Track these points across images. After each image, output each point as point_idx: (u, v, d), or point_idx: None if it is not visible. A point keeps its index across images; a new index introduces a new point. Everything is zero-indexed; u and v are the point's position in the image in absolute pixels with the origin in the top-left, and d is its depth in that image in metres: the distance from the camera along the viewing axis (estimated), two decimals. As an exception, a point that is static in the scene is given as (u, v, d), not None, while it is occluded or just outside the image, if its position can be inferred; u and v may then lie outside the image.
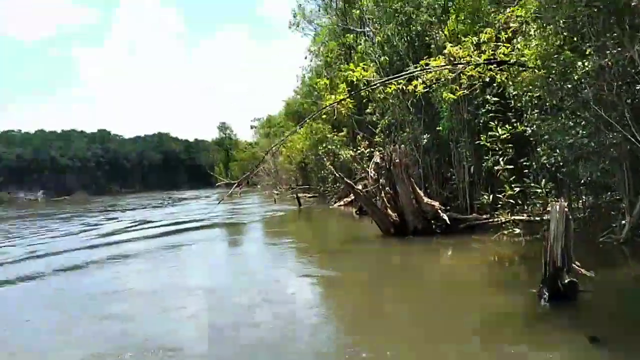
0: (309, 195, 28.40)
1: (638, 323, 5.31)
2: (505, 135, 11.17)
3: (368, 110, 18.43)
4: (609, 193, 10.44)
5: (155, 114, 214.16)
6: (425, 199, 12.62)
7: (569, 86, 9.29)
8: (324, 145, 24.85)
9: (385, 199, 13.04)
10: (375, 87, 14.90)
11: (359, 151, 19.65)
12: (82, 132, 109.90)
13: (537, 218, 10.85)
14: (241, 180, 19.87)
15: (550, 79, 9.51)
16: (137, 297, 7.95)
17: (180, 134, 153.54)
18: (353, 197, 20.27)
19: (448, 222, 11.99)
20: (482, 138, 11.67)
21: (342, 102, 14.18)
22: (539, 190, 10.32)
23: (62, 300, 8.12)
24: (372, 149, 19.13)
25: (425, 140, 15.06)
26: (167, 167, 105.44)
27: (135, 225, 19.95)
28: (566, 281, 6.06)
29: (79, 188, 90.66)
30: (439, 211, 12.31)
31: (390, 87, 13.82)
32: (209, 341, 5.68)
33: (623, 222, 9.36)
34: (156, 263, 11.20)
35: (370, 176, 15.93)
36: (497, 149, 11.29)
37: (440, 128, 13.74)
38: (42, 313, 7.39)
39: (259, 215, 22.29)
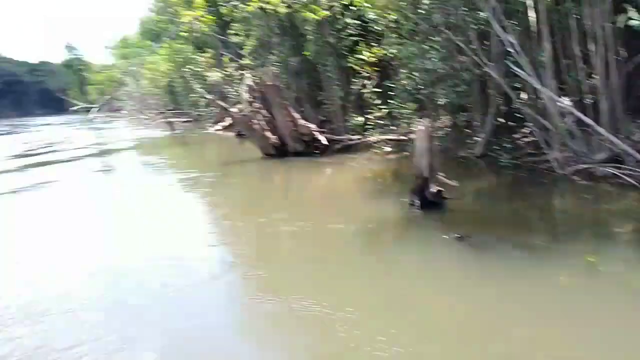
0: (183, 120, 27.13)
1: (492, 220, 6.29)
2: (372, 59, 11.52)
3: (232, 31, 17.62)
4: (465, 113, 11.57)
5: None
6: (302, 122, 12.89)
7: (421, 11, 9.70)
8: (188, 67, 23.53)
9: (263, 123, 13.06)
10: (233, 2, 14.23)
11: (227, 73, 18.97)
12: None
13: (404, 137, 11.81)
14: (101, 106, 18.26)
15: (403, 3, 9.87)
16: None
17: (20, 57, 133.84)
18: (230, 121, 19.88)
19: (326, 142, 12.49)
20: (349, 61, 11.95)
21: (201, 18, 13.48)
22: (404, 111, 11.06)
23: None
24: (242, 72, 18.56)
25: (295, 64, 15.03)
26: (11, 91, 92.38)
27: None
28: (433, 190, 6.84)
29: None
30: (315, 133, 12.74)
31: (250, 5, 13.43)
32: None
33: (477, 138, 10.60)
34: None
35: (245, 99, 15.69)
36: (363, 72, 11.66)
37: (307, 52, 13.79)
38: None
39: (128, 141, 20.94)
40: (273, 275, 4.99)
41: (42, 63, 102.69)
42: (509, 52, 8.13)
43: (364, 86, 11.69)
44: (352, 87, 12.63)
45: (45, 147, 18.92)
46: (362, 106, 13.13)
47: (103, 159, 15.22)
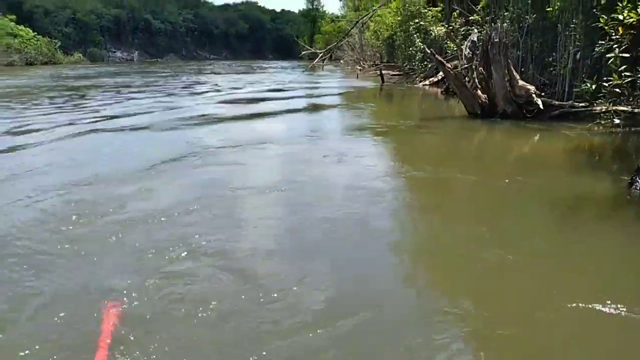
0: (393, 72, 27.41)
1: None
2: (631, 21, 9.77)
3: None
4: None
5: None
6: (520, 82, 11.81)
7: None
8: (416, 21, 23.44)
9: (476, 80, 12.39)
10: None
11: (452, 28, 18.37)
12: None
13: (643, 110, 9.95)
14: (325, 52, 19.43)
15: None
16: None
17: (268, 4, 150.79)
18: (439, 77, 19.42)
19: (541, 106, 11.25)
20: (600, 20, 10.37)
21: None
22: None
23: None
24: (468, 27, 17.84)
25: (531, 21, 13.74)
26: (253, 36, 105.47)
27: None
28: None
29: (170, 52, 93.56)
30: (533, 95, 11.55)
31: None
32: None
33: None
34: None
35: (464, 55, 15.01)
36: (615, 34, 10.01)
37: (550, 8, 12.46)
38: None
39: (340, 89, 22.13)
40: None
41: (284, 12, 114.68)
42: None
43: (609, 50, 9.99)
44: (595, 49, 11.02)
45: (274, 89, 21.18)
46: (597, 73, 11.41)
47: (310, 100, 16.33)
